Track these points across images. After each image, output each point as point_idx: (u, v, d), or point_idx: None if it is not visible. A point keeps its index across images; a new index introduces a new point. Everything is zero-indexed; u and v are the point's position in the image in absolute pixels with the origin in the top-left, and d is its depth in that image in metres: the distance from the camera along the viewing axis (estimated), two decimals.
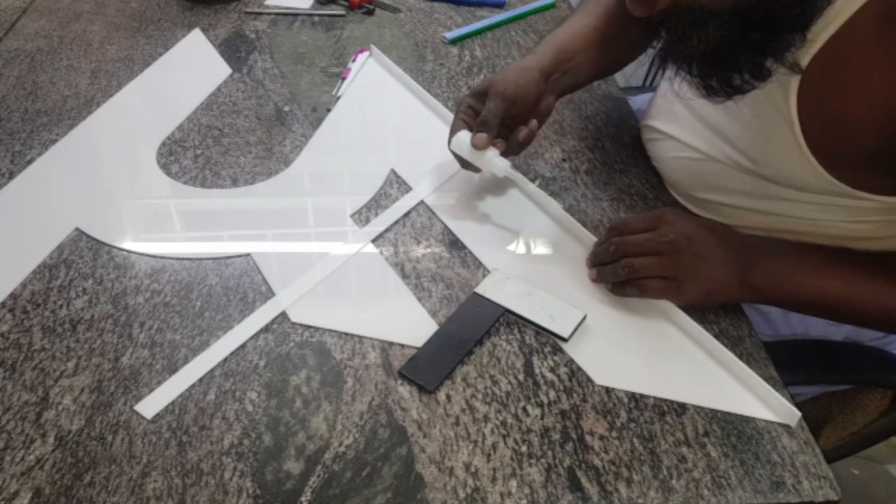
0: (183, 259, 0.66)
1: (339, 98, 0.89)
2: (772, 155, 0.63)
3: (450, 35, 1.02)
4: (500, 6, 1.11)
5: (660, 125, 0.77)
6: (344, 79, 0.92)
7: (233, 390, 0.55)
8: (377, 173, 0.77)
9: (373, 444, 0.52)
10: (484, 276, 0.65)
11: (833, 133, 0.58)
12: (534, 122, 0.69)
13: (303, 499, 0.48)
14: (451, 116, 0.83)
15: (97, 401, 0.54)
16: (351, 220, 0.71)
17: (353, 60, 0.96)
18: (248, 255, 0.66)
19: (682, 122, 0.73)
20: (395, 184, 0.76)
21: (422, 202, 0.73)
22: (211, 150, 0.79)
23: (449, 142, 0.70)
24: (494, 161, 0.67)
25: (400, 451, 0.51)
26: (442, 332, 0.60)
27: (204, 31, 1.02)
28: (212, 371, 0.56)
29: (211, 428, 0.52)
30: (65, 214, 0.70)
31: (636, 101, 0.98)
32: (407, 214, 0.72)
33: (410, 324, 0.61)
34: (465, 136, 0.68)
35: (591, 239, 0.67)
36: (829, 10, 0.53)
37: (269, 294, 0.63)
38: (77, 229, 0.68)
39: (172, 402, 0.54)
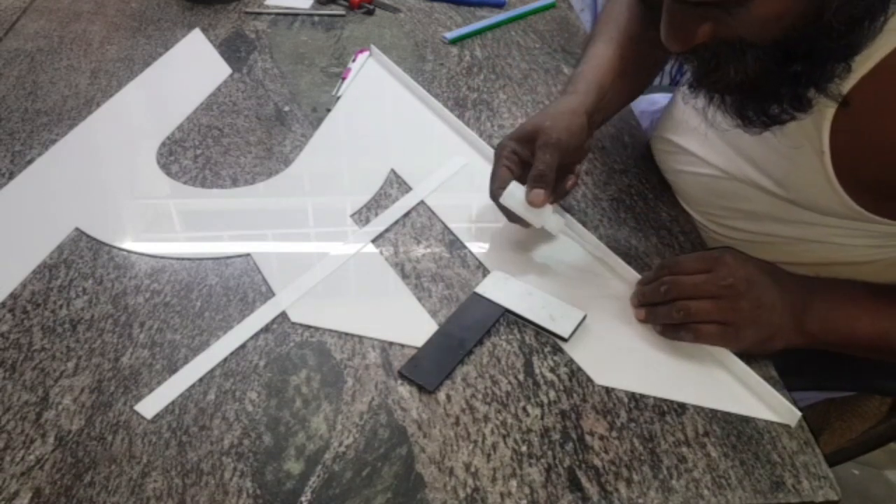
0: (183, 259, 0.66)
1: (339, 98, 0.89)
2: (797, 180, 0.62)
3: (450, 35, 1.02)
4: (500, 6, 1.11)
5: (676, 138, 0.75)
6: (344, 79, 0.92)
7: (233, 390, 0.55)
8: (377, 173, 0.77)
9: (373, 444, 0.52)
10: (484, 276, 0.65)
11: (865, 164, 0.56)
12: (579, 168, 0.66)
13: (303, 499, 0.48)
14: (452, 117, 0.84)
15: (97, 401, 0.54)
16: (351, 220, 0.71)
17: (353, 60, 0.96)
18: (248, 255, 0.66)
19: (701, 138, 0.71)
20: (395, 184, 0.76)
21: (422, 202, 0.73)
22: (211, 150, 0.79)
23: (492, 192, 0.65)
24: (551, 219, 0.63)
25: (400, 451, 0.51)
26: (442, 332, 0.60)
27: (204, 31, 1.02)
28: (212, 371, 0.56)
29: (211, 428, 0.52)
30: (65, 214, 0.70)
31: (640, 104, 0.98)
32: (407, 214, 0.72)
33: (410, 324, 0.61)
34: (517, 190, 0.62)
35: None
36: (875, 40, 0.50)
37: (269, 294, 0.63)
38: (77, 229, 0.68)
39: (172, 402, 0.54)
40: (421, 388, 0.55)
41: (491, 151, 0.78)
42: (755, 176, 0.65)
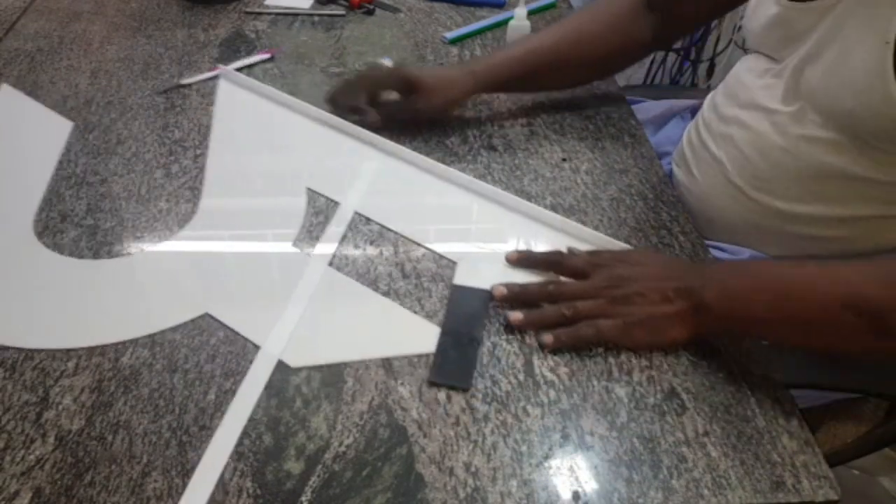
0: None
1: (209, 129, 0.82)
2: (859, 96, 0.62)
3: (450, 35, 1.02)
4: (500, 6, 1.11)
5: (732, 109, 0.78)
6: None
7: (233, 390, 0.55)
8: (294, 197, 0.72)
9: (373, 443, 0.52)
10: (454, 270, 0.65)
11: None
12: (375, 117, 0.80)
13: (303, 499, 0.48)
14: (334, 118, 0.81)
15: (97, 401, 0.54)
16: (297, 249, 0.67)
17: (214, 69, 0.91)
18: (205, 314, 0.60)
19: (745, 101, 0.75)
20: (320, 199, 0.73)
21: (356, 213, 0.71)
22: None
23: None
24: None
25: (400, 451, 0.51)
26: (447, 332, 0.59)
27: (204, 30, 1.02)
28: (212, 371, 0.56)
29: (211, 428, 0.52)
30: None
31: (640, 109, 0.97)
32: (351, 227, 0.69)
33: (409, 330, 0.60)
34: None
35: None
36: None
37: (253, 350, 0.58)
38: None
39: (173, 402, 0.54)
40: (453, 388, 0.55)
41: (398, 147, 0.78)
42: (817, 119, 0.67)
